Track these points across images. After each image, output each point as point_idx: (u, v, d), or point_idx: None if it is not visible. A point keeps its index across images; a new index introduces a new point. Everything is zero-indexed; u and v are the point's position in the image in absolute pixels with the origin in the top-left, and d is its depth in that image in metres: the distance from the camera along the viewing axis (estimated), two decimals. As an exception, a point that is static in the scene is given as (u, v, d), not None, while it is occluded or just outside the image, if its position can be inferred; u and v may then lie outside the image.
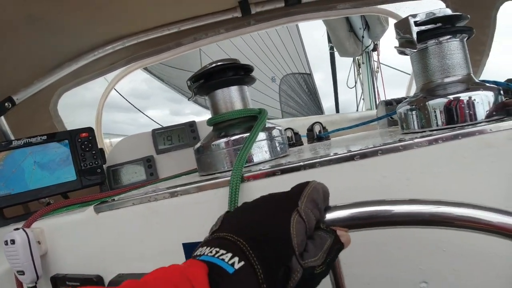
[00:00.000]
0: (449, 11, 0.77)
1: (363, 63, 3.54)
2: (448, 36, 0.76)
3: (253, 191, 0.64)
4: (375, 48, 3.41)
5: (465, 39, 0.79)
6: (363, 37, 3.09)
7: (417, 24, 0.77)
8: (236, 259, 0.33)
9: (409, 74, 2.42)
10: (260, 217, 0.40)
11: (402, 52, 0.85)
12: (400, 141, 0.63)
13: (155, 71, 6.08)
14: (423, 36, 0.77)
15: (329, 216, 0.43)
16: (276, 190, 0.63)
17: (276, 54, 7.06)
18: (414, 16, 0.76)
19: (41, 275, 0.83)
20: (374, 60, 3.53)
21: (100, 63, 1.42)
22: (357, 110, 3.78)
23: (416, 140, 0.62)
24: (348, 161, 0.61)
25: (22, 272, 0.81)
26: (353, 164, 0.61)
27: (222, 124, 0.85)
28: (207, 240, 0.40)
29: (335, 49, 3.53)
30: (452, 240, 0.61)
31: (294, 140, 1.28)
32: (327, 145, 0.99)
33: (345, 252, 0.62)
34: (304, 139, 1.34)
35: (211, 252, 0.35)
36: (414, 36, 0.76)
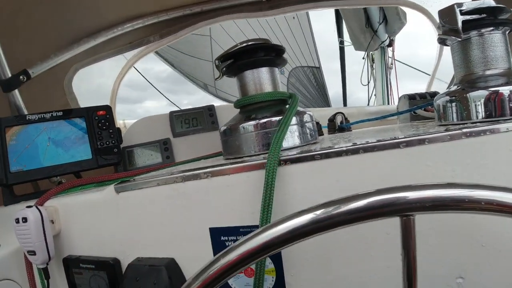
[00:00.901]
0: (493, 3, 0.75)
1: (372, 61, 3.50)
2: (491, 28, 0.74)
3: (291, 176, 0.61)
4: (390, 44, 3.36)
5: (507, 32, 0.77)
6: (377, 30, 3.04)
7: (463, 12, 0.74)
8: None
9: (423, 72, 2.39)
10: None
11: (442, 41, 0.82)
12: (446, 130, 0.59)
13: (164, 54, 6.02)
14: (466, 26, 0.74)
15: None
16: (313, 176, 0.60)
17: (286, 46, 6.99)
18: (459, 4, 0.73)
19: (53, 256, 0.80)
20: (388, 56, 3.48)
21: (118, 41, 1.39)
22: (368, 105, 3.75)
23: (464, 130, 0.59)
24: (393, 148, 0.58)
25: (33, 252, 0.78)
26: (398, 152, 0.58)
27: (250, 107, 0.81)
28: None
29: (349, 42, 3.48)
30: (492, 235, 0.58)
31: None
32: (352, 136, 0.95)
33: (380, 243, 0.59)
34: (325, 130, 1.31)
35: None
36: (460, 24, 0.73)
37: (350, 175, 0.59)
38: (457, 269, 0.60)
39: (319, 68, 7.26)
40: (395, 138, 0.58)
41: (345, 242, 0.60)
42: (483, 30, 0.74)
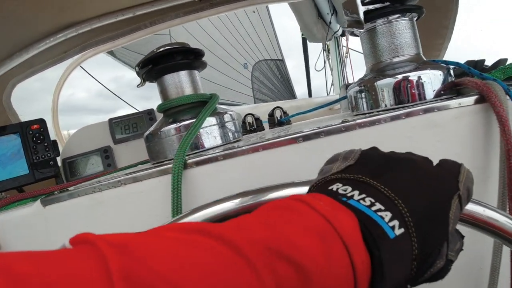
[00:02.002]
0: None
1: (327, 50, 3.57)
2: (397, 15, 0.76)
3: (197, 177, 0.62)
4: (343, 34, 3.42)
5: (415, 18, 0.79)
6: (330, 22, 3.09)
7: (364, 3, 0.76)
8: (396, 222, 0.28)
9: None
10: (419, 184, 0.33)
11: (352, 33, 0.85)
12: (343, 122, 0.62)
13: (125, 59, 5.92)
14: (371, 15, 0.76)
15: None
16: (220, 176, 0.62)
17: (248, 40, 7.01)
18: (362, -6, 0.76)
19: None
20: (343, 46, 3.55)
21: (53, 51, 1.36)
22: (327, 95, 3.81)
23: (358, 121, 0.61)
24: (291, 143, 0.61)
25: (-29, 274, 0.77)
26: (296, 147, 0.61)
27: (172, 110, 0.82)
28: (349, 178, 0.33)
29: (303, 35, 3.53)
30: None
31: (255, 126, 1.27)
32: (285, 130, 0.98)
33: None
34: (266, 125, 1.33)
35: (364, 200, 0.29)
36: (361, 15, 0.75)
37: (251, 172, 0.61)
38: None
39: (282, 61, 7.31)
40: (292, 134, 0.61)
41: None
42: (390, 18, 0.76)
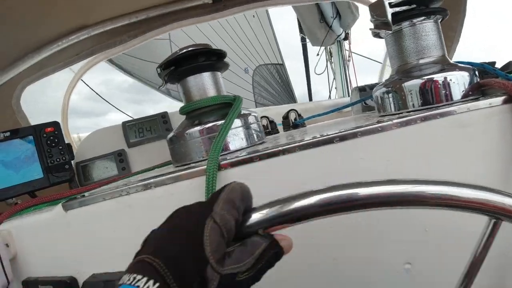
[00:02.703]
0: None
1: (330, 55, 3.57)
2: (422, 18, 0.76)
3: (231, 179, 0.61)
4: (346, 37, 3.43)
5: (439, 20, 0.80)
6: (331, 25, 3.10)
7: (391, 5, 0.76)
8: (151, 282, 0.33)
9: (380, 63, 2.45)
10: (176, 231, 0.40)
11: (377, 35, 0.85)
12: (378, 122, 0.62)
13: (122, 63, 5.90)
14: (397, 17, 0.77)
15: (255, 216, 0.42)
16: (255, 177, 0.61)
17: (248, 45, 7.01)
18: (388, -3, 0.76)
19: (12, 279, 0.78)
20: (345, 49, 3.56)
21: (65, 53, 1.35)
22: (329, 98, 3.82)
23: (394, 121, 0.61)
24: (327, 144, 0.60)
25: (-10, 278, 0.75)
26: (332, 147, 0.60)
27: (195, 112, 0.81)
28: (130, 266, 0.39)
29: (307, 39, 3.53)
30: (434, 220, 0.61)
31: (270, 128, 1.26)
32: (303, 132, 0.97)
33: (329, 235, 0.61)
34: (280, 128, 1.33)
35: (129, 279, 0.35)
36: (389, 17, 0.75)
37: (287, 174, 0.60)
38: (404, 255, 0.62)
39: (282, 65, 7.31)
40: (328, 134, 0.60)
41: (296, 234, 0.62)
42: (414, 20, 0.77)
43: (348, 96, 3.92)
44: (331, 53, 3.63)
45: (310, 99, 5.36)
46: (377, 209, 0.39)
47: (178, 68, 0.81)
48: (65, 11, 1.22)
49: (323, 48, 3.75)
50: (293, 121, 1.27)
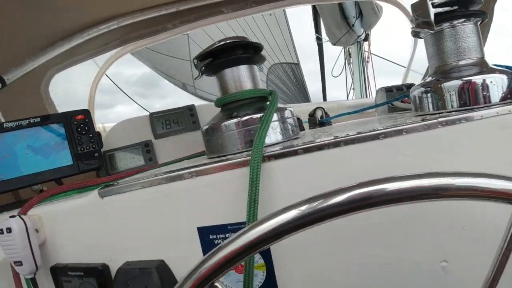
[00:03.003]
0: None
1: (349, 55, 3.55)
2: (463, 19, 0.76)
3: (275, 171, 0.62)
4: (366, 38, 3.41)
5: (479, 22, 0.79)
6: (353, 25, 3.09)
7: (434, 5, 0.76)
8: None
9: (399, 65, 2.44)
10: None
11: (416, 34, 0.84)
12: (423, 120, 0.61)
13: (143, 56, 5.95)
14: (439, 18, 0.76)
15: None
16: (297, 170, 0.61)
17: (264, 43, 7.00)
18: (430, -3, 0.75)
19: (40, 265, 0.79)
20: (365, 50, 3.54)
21: (94, 43, 1.37)
22: (347, 98, 3.80)
23: (440, 119, 0.61)
24: (373, 140, 0.60)
25: (19, 263, 0.77)
26: (377, 143, 0.60)
27: (231, 105, 0.82)
28: None
29: (326, 38, 3.51)
30: (472, 219, 0.61)
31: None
32: (333, 130, 0.97)
33: (365, 233, 0.61)
34: (306, 125, 1.32)
35: None
36: (432, 17, 0.75)
37: (332, 167, 0.60)
38: (441, 253, 0.62)
39: (297, 65, 7.30)
40: (374, 130, 0.60)
41: (333, 232, 0.62)
42: (455, 22, 0.76)
43: (366, 97, 3.93)
44: (349, 54, 3.62)
45: (324, 99, 5.35)
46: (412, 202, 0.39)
47: (216, 60, 0.81)
48: (96, 0, 1.23)
49: (340, 50, 3.74)
50: (319, 119, 1.27)
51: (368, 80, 3.60)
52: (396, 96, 1.35)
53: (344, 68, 3.82)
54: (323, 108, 1.28)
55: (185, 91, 6.56)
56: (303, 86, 7.23)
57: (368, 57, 3.59)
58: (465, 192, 0.38)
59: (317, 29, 4.31)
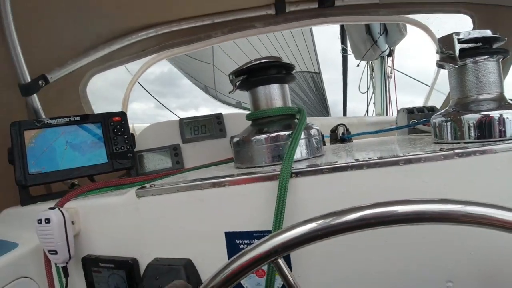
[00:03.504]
0: (489, 33, 0.81)
1: (372, 70, 3.58)
2: (486, 56, 0.80)
3: (300, 187, 0.67)
4: (390, 54, 3.44)
5: (500, 59, 0.83)
6: (376, 41, 3.13)
7: (460, 41, 0.80)
8: None
9: (422, 82, 2.46)
10: None
11: (441, 66, 0.89)
12: (441, 150, 0.66)
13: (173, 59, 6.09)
14: (463, 53, 0.80)
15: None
16: (321, 188, 0.67)
17: (287, 50, 7.06)
18: (457, 34, 0.80)
19: (73, 255, 0.86)
20: (388, 66, 3.57)
21: (132, 48, 1.45)
22: (366, 114, 3.83)
23: (456, 151, 0.65)
24: (393, 165, 0.65)
25: (54, 252, 0.83)
26: (397, 168, 0.65)
27: (262, 120, 0.88)
28: None
29: (350, 51, 3.56)
30: (479, 243, 0.65)
31: (318, 140, 1.31)
32: (355, 148, 1.02)
33: (378, 247, 0.66)
34: (326, 140, 1.37)
35: None
36: (457, 53, 0.79)
37: (354, 188, 0.66)
38: (447, 273, 0.66)
39: (318, 74, 7.34)
40: (394, 156, 0.65)
41: (349, 245, 0.67)
42: (478, 58, 0.80)
43: (386, 112, 3.95)
44: (372, 68, 3.65)
45: (344, 114, 5.36)
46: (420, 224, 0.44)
47: (250, 77, 0.88)
48: (138, 8, 1.31)
49: (364, 65, 3.77)
50: (340, 135, 1.32)
51: (389, 95, 3.62)
52: (416, 118, 1.40)
53: (368, 84, 3.84)
54: (345, 125, 1.33)
55: (206, 93, 6.68)
56: (323, 96, 7.27)
57: (391, 73, 3.61)
58: (471, 219, 0.43)
59: (343, 40, 4.35)
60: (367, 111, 3.89)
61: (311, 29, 7.06)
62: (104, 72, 1.55)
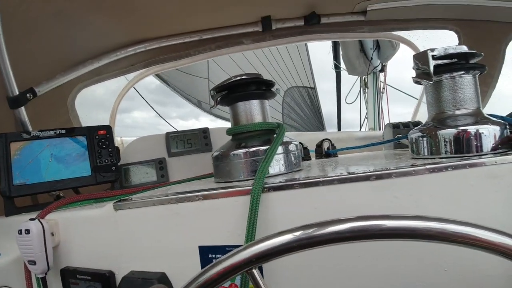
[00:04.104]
0: (465, 48, 0.82)
1: (365, 85, 3.62)
2: (462, 72, 0.81)
3: (272, 202, 0.68)
4: (382, 69, 3.48)
5: (477, 75, 0.84)
6: (371, 58, 3.17)
7: (435, 58, 0.81)
8: None
9: (413, 97, 2.48)
10: None
11: (417, 82, 0.90)
12: (412, 166, 0.67)
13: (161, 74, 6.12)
14: (439, 69, 0.81)
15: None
16: (293, 203, 0.67)
17: (282, 66, 7.13)
18: (432, 50, 0.81)
19: (52, 266, 0.86)
20: (380, 81, 3.61)
21: (121, 63, 1.47)
22: (360, 129, 3.86)
23: (428, 166, 0.66)
24: (364, 180, 0.65)
25: (33, 262, 0.83)
26: (368, 184, 0.65)
27: (241, 135, 0.89)
28: None
29: (343, 67, 3.61)
30: (454, 260, 0.65)
31: (303, 154, 1.32)
32: (337, 163, 1.03)
33: (351, 259, 0.66)
34: (312, 154, 1.38)
35: None
36: (431, 69, 0.80)
37: (325, 203, 0.66)
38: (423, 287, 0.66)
39: (314, 89, 7.40)
40: (365, 172, 0.66)
41: (321, 259, 0.67)
42: (454, 74, 0.81)
43: (379, 126, 3.97)
44: (365, 83, 3.69)
45: (339, 128, 5.40)
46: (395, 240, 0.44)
47: (231, 93, 0.89)
48: (127, 24, 1.33)
49: (356, 78, 3.81)
50: (326, 150, 1.33)
51: (382, 111, 3.65)
52: (402, 133, 1.41)
53: (359, 98, 3.89)
54: (330, 140, 1.34)
55: (199, 108, 6.70)
56: (318, 110, 7.32)
57: (384, 88, 3.65)
58: (448, 237, 0.43)
59: (336, 57, 4.40)
60: (360, 126, 3.93)
61: (306, 45, 7.14)
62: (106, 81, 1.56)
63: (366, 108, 3.74)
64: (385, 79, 3.61)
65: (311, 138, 1.58)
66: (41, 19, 1.20)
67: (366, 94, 3.72)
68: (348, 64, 3.34)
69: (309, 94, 7.31)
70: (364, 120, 3.84)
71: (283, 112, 7.12)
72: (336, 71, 4.62)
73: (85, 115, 1.62)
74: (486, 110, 0.86)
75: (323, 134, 1.72)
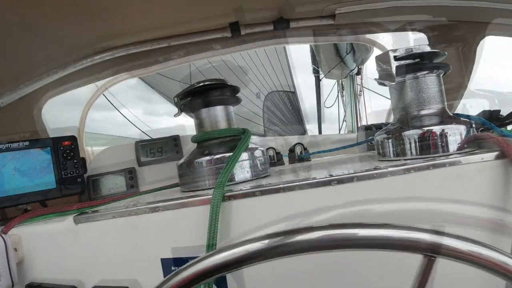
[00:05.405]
0: (427, 48, 0.82)
1: (342, 88, 3.65)
2: (426, 71, 0.81)
3: (234, 210, 0.66)
4: (359, 72, 3.51)
5: (442, 74, 0.84)
6: (344, 59, 3.19)
7: (396, 58, 0.81)
8: None
9: (388, 98, 2.50)
10: None
11: (382, 84, 0.90)
12: (375, 169, 0.66)
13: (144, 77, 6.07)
14: (402, 70, 0.81)
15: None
16: (256, 210, 0.66)
17: (262, 70, 7.15)
18: (394, 51, 0.81)
19: (16, 282, 0.83)
20: (357, 84, 3.64)
21: (88, 71, 1.43)
22: (339, 131, 3.88)
23: (390, 169, 0.65)
24: (325, 185, 0.64)
25: (-3, 278, 0.80)
26: (330, 189, 0.64)
27: (206, 142, 0.87)
28: None
29: (320, 71, 3.63)
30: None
31: (276, 160, 1.31)
32: (307, 167, 1.02)
33: (313, 275, 0.65)
34: (286, 159, 1.37)
35: None
36: (393, 70, 0.80)
37: (287, 209, 0.65)
38: None
39: (294, 93, 7.44)
40: (328, 177, 0.65)
41: (287, 270, 0.66)
42: (418, 74, 0.81)
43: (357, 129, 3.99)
44: (342, 87, 3.72)
45: (320, 131, 5.43)
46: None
47: (194, 100, 0.87)
48: (94, 32, 1.30)
49: (334, 83, 3.84)
50: (298, 154, 1.32)
51: (360, 113, 3.68)
52: (373, 135, 1.41)
53: (337, 101, 3.91)
54: (302, 144, 1.33)
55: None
56: (299, 114, 7.35)
57: (361, 91, 3.69)
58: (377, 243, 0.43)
59: (314, 60, 4.43)
60: (339, 129, 3.96)
61: (285, 50, 7.19)
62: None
63: (344, 111, 3.78)
64: (361, 82, 3.64)
65: (287, 142, 1.58)
66: (3, 29, 1.16)
67: (344, 98, 3.76)
68: (324, 68, 3.36)
69: (290, 98, 7.35)
70: (342, 123, 3.87)
71: (264, 117, 7.13)
72: (315, 76, 4.65)
73: (58, 113, 1.58)
74: (460, 110, 0.86)
75: (300, 138, 1.71)
